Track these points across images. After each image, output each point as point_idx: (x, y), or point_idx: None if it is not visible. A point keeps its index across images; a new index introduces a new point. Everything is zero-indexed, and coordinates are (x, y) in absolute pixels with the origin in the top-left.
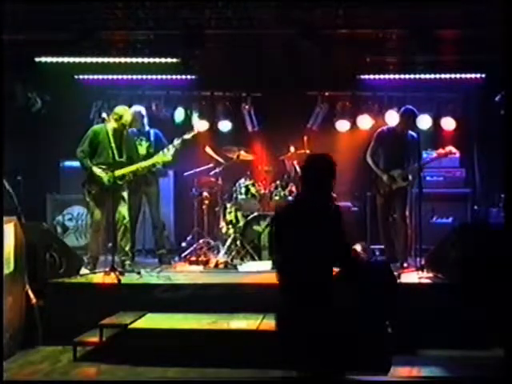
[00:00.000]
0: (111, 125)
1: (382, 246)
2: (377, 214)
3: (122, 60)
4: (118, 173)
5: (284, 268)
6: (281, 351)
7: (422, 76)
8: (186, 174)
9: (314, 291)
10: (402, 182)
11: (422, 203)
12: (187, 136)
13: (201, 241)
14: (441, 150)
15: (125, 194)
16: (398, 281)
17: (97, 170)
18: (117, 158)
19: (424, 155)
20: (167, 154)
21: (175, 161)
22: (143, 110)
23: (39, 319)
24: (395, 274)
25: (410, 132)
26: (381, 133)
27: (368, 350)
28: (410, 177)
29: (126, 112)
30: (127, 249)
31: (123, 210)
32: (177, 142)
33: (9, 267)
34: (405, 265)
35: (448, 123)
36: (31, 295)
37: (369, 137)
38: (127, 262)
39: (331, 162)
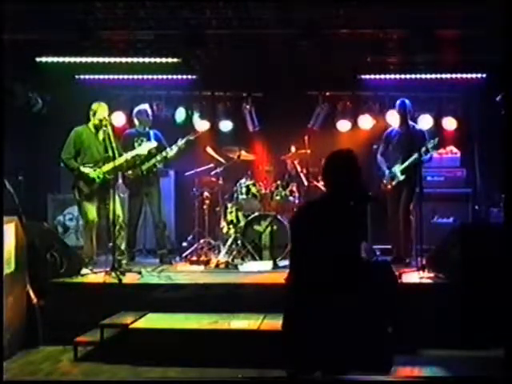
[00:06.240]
0: (91, 122)
1: (383, 246)
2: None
3: (123, 60)
4: (106, 168)
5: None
6: (291, 352)
7: (423, 76)
8: (186, 173)
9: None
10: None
11: (422, 203)
12: (191, 137)
13: (202, 241)
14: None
15: (118, 192)
16: (399, 281)
17: (84, 169)
18: (102, 153)
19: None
20: (168, 152)
21: (175, 158)
22: (149, 109)
23: (40, 319)
24: (396, 273)
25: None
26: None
27: (368, 350)
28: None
29: (100, 107)
30: (123, 247)
31: (117, 208)
32: (181, 142)
33: (10, 267)
34: (407, 261)
35: (449, 123)
36: (32, 295)
37: (370, 137)
38: (124, 262)
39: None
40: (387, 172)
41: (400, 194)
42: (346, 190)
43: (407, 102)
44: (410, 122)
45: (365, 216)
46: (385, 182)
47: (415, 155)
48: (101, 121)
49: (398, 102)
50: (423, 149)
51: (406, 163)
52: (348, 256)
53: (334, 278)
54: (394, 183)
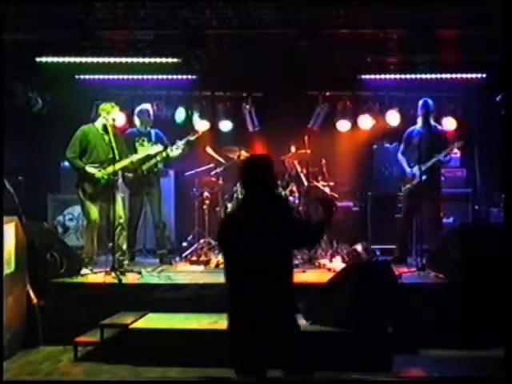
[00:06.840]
0: (100, 122)
1: (383, 246)
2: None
3: (123, 60)
4: (111, 169)
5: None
6: (237, 353)
7: (423, 76)
8: (186, 173)
9: (268, 293)
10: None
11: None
12: (191, 137)
13: (202, 241)
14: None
15: (118, 192)
16: (399, 281)
17: (90, 169)
18: (108, 155)
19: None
20: (169, 152)
21: (177, 159)
22: (150, 109)
23: (40, 319)
24: (396, 273)
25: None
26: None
27: (368, 349)
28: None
29: (112, 108)
30: (124, 248)
31: (119, 208)
32: (181, 142)
33: (10, 267)
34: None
35: (449, 123)
36: (32, 295)
37: (370, 137)
38: (125, 262)
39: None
40: (408, 171)
41: (418, 194)
42: (264, 194)
43: (430, 101)
44: (432, 123)
45: (288, 217)
46: (405, 182)
47: (438, 156)
48: (112, 121)
49: (420, 101)
50: (447, 150)
51: (429, 164)
52: (273, 256)
53: (262, 279)
54: (414, 183)
